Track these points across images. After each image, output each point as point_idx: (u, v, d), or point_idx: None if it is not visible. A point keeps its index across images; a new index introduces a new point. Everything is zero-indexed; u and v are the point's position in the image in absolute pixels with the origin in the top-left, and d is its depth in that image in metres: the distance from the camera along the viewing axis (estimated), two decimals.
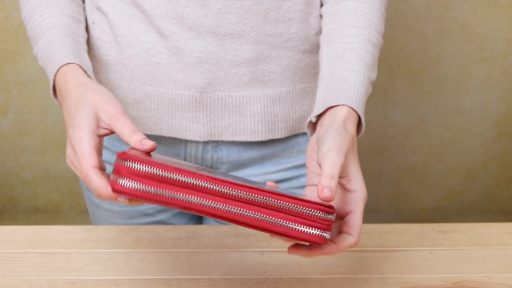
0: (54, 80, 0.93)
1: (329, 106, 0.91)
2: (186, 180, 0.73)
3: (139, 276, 0.97)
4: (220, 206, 0.74)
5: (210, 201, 0.74)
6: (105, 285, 0.95)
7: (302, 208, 0.76)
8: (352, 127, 0.90)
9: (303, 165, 1.15)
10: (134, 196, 0.73)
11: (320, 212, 0.76)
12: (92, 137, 0.82)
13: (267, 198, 0.76)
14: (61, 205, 2.16)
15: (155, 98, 1.06)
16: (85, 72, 0.93)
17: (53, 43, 0.97)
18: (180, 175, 0.73)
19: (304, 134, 1.14)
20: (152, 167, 0.72)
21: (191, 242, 1.05)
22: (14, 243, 1.04)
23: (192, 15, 1.00)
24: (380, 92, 1.97)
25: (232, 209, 0.75)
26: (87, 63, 0.97)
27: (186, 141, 1.10)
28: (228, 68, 1.03)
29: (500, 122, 2.01)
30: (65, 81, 0.91)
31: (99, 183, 0.78)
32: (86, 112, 0.84)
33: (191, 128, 1.07)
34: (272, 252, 1.02)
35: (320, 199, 0.77)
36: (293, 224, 0.76)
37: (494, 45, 1.90)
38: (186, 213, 1.24)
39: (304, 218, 0.76)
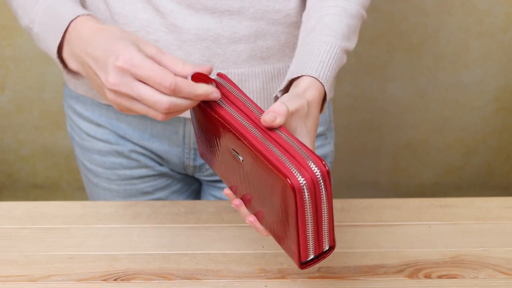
0: (63, 36, 0.88)
1: (291, 78, 0.90)
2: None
3: (137, 251, 0.97)
4: (247, 126, 0.77)
5: (245, 121, 0.78)
6: (104, 260, 0.95)
7: (303, 152, 0.74)
8: (311, 95, 0.87)
9: None
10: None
11: (316, 167, 0.73)
12: (145, 56, 0.79)
13: (286, 135, 0.76)
14: (59, 181, 2.16)
15: None
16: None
17: (54, 3, 0.92)
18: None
19: None
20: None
21: (190, 217, 1.05)
22: (13, 219, 1.04)
23: None
24: (379, 67, 1.97)
25: (250, 128, 0.77)
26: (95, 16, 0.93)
27: (185, 119, 1.10)
28: (227, 45, 1.02)
29: (499, 96, 2.01)
30: (86, 28, 0.86)
31: (189, 83, 0.79)
32: (126, 41, 0.81)
33: None
34: None
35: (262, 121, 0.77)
36: (284, 158, 0.74)
37: (494, 19, 1.89)
38: (185, 191, 1.24)
39: (300, 163, 0.74)
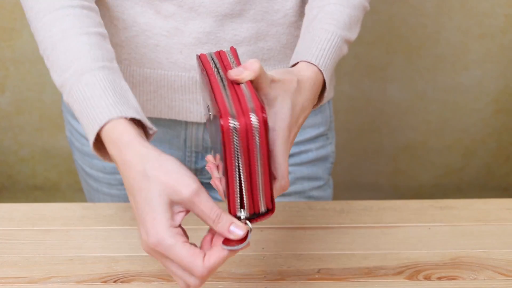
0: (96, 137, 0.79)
1: (291, 65, 0.89)
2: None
3: (137, 253, 0.97)
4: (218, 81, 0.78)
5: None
6: (104, 262, 0.95)
7: (251, 101, 0.74)
8: (305, 75, 0.85)
9: (304, 142, 1.15)
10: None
11: (255, 116, 0.72)
12: (174, 234, 0.73)
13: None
14: (59, 182, 2.16)
15: (154, 80, 1.05)
16: (137, 119, 0.79)
17: (89, 84, 0.80)
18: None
19: None
20: None
21: (189, 219, 1.05)
22: (12, 220, 1.04)
23: None
24: (378, 69, 1.96)
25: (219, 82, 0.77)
26: (132, 101, 0.80)
27: (186, 123, 1.10)
28: (228, 48, 1.02)
29: (498, 98, 2.01)
30: (119, 151, 0.76)
31: (218, 263, 0.74)
32: (156, 203, 0.73)
33: (192, 110, 1.07)
34: (270, 229, 1.02)
35: None
36: (227, 97, 0.74)
37: (493, 21, 1.89)
38: None
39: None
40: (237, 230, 0.74)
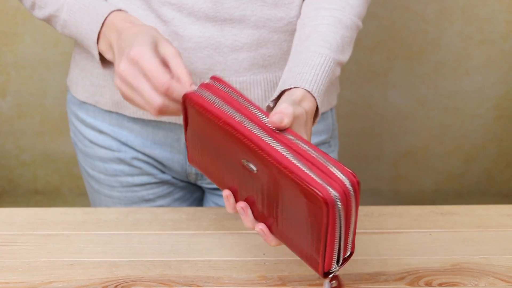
0: (102, 25, 0.96)
1: (284, 89, 0.90)
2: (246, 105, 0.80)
3: (138, 258, 0.97)
4: (258, 133, 0.76)
5: (252, 126, 0.77)
6: (105, 266, 0.95)
7: (326, 161, 0.73)
8: (307, 105, 0.87)
9: None
10: (201, 107, 0.80)
11: (345, 177, 0.72)
12: (155, 55, 0.85)
13: (304, 144, 0.75)
14: (60, 187, 2.16)
15: None
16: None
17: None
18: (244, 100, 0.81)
19: None
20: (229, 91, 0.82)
21: (191, 224, 1.05)
22: (13, 225, 1.04)
23: (191, 1, 0.99)
24: (379, 75, 1.97)
25: (265, 138, 0.76)
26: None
27: None
28: (228, 53, 1.02)
29: (499, 104, 2.01)
30: (120, 20, 0.95)
31: (180, 88, 0.84)
32: (146, 37, 0.87)
33: None
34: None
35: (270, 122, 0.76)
36: (311, 172, 0.72)
37: (494, 27, 1.89)
38: (187, 199, 1.24)
39: (326, 174, 0.72)
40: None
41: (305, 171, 0.72)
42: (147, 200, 1.18)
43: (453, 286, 0.93)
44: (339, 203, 0.70)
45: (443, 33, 1.90)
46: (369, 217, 1.07)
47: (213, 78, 0.84)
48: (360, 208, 1.09)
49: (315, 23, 0.97)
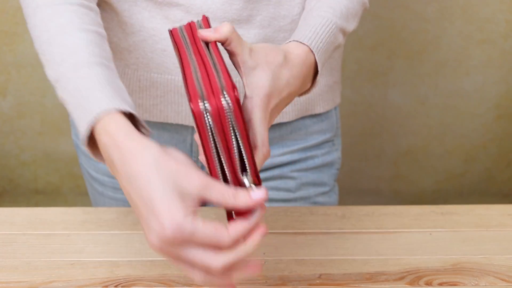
0: (91, 129, 0.75)
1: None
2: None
3: (138, 257, 0.97)
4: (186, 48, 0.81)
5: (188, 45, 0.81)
6: (105, 266, 0.95)
7: (221, 78, 0.75)
8: (293, 51, 0.85)
9: (310, 147, 1.15)
10: None
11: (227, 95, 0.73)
12: (194, 219, 0.68)
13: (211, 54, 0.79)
14: (61, 187, 2.16)
15: (161, 85, 1.05)
16: (132, 115, 0.76)
17: (80, 81, 0.78)
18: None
19: (311, 116, 1.14)
20: None
21: None
22: (14, 224, 1.04)
23: (199, 2, 0.99)
24: (379, 74, 1.97)
25: (188, 51, 0.80)
26: (128, 99, 0.77)
27: (193, 128, 1.09)
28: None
29: (500, 103, 2.01)
30: (113, 141, 0.72)
31: (240, 235, 0.70)
32: (166, 192, 0.68)
33: None
34: (271, 234, 1.02)
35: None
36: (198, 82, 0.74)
37: (495, 27, 1.89)
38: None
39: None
40: (258, 192, 0.71)
41: (191, 71, 0.76)
42: None
43: (454, 285, 0.93)
44: (207, 116, 0.72)
45: (443, 33, 1.90)
46: (369, 216, 1.07)
47: (203, 17, 0.86)
48: (360, 207, 1.09)
49: None
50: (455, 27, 1.90)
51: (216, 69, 0.76)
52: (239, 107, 0.73)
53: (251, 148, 0.75)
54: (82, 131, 0.75)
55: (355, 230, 1.04)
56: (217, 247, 0.69)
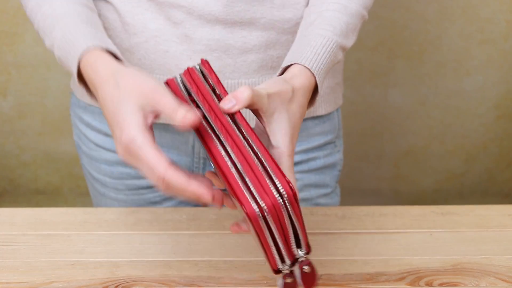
0: (78, 67, 0.88)
1: (284, 66, 0.89)
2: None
3: (139, 258, 0.97)
4: (212, 133, 0.79)
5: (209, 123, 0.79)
6: (105, 266, 0.95)
7: (270, 169, 0.74)
8: (298, 82, 0.86)
9: (312, 149, 1.15)
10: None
11: (278, 192, 0.73)
12: (145, 134, 0.76)
13: (253, 145, 0.76)
14: (61, 187, 2.16)
15: None
16: (113, 54, 0.88)
17: (68, 30, 0.91)
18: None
19: (314, 118, 1.14)
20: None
21: (192, 224, 1.05)
22: (14, 225, 1.04)
23: (201, 3, 0.99)
24: (380, 74, 1.97)
25: (216, 140, 0.78)
26: (112, 46, 0.90)
27: None
28: (237, 55, 1.02)
29: (500, 104, 2.01)
30: (94, 71, 0.85)
31: (179, 181, 0.75)
32: (127, 106, 0.78)
33: None
34: None
35: None
36: (244, 185, 0.74)
37: (495, 27, 1.89)
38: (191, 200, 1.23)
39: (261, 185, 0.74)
40: (189, 113, 0.76)
41: (239, 183, 0.74)
42: (153, 203, 1.17)
43: (454, 286, 0.93)
44: (261, 216, 0.73)
45: (444, 33, 1.90)
46: (369, 217, 1.07)
47: (202, 61, 0.84)
48: (361, 208, 1.09)
49: (321, 9, 0.96)
50: (456, 28, 1.90)
51: (259, 159, 0.75)
52: (296, 200, 0.74)
53: (304, 227, 0.76)
54: (73, 66, 0.88)
55: (356, 231, 1.04)
56: (152, 171, 0.76)
